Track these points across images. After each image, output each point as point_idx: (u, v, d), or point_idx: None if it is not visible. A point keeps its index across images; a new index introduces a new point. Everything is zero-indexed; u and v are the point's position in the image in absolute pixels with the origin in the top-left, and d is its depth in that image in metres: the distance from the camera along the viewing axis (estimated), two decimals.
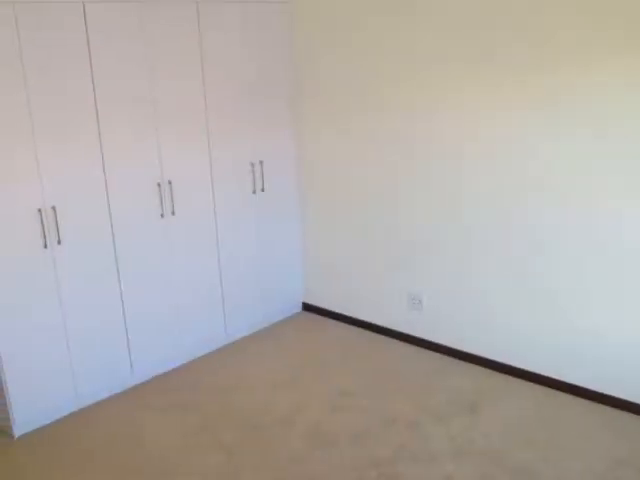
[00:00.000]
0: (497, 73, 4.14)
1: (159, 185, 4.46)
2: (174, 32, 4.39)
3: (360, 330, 5.47)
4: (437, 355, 4.96)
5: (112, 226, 4.28)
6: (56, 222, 3.98)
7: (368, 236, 5.21)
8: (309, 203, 5.58)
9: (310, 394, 4.50)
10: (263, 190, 5.20)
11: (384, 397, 4.42)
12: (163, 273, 4.65)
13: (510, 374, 4.59)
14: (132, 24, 4.16)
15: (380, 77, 4.75)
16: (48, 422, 4.25)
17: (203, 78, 4.61)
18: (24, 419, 4.12)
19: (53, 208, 3.95)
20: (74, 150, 4.02)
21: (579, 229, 4.04)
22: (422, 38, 4.44)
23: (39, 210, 3.89)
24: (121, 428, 4.19)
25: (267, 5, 4.96)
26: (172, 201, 4.55)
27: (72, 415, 4.34)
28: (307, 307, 5.91)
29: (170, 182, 4.52)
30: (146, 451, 3.94)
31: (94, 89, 4.03)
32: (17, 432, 4.10)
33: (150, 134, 4.38)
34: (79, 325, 4.26)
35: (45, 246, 3.96)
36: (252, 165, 5.06)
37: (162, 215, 4.52)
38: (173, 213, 4.58)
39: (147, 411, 4.37)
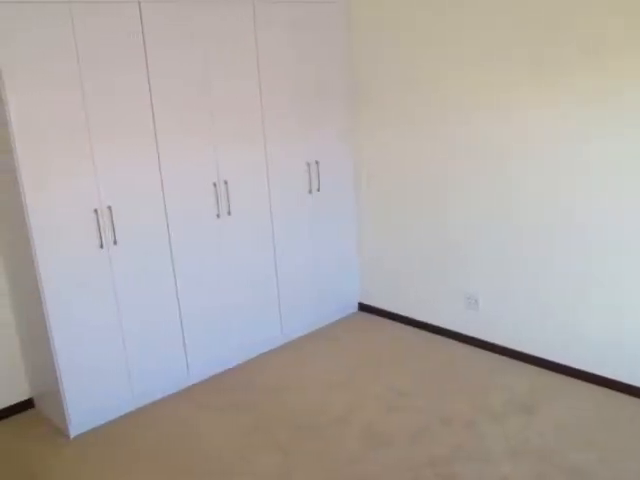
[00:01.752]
0: (548, 73, 3.91)
1: (215, 185, 4.30)
2: (230, 31, 4.22)
3: (416, 330, 5.24)
4: (493, 355, 4.72)
5: (168, 226, 4.12)
6: (112, 222, 3.84)
7: (424, 236, 4.98)
8: (364, 203, 5.37)
9: (366, 394, 4.30)
10: (319, 190, 5.01)
11: (440, 397, 4.21)
12: (219, 273, 4.49)
13: (567, 374, 4.33)
14: (188, 22, 4.01)
15: (435, 77, 4.53)
16: (104, 422, 4.13)
17: (259, 77, 4.43)
18: (80, 419, 4.00)
19: (109, 208, 3.81)
20: (130, 150, 3.88)
21: (636, 227, 3.79)
22: (477, 37, 4.20)
23: (95, 210, 3.76)
24: (177, 428, 4.04)
25: (323, 5, 4.75)
26: (228, 201, 4.38)
27: (128, 415, 4.21)
28: (363, 307, 5.70)
29: (226, 182, 4.35)
30: (201, 451, 3.79)
31: (150, 88, 3.89)
32: (73, 432, 3.98)
33: (206, 133, 4.22)
34: (135, 325, 4.12)
35: (101, 246, 3.82)
36: (308, 165, 4.87)
37: (218, 215, 4.35)
38: (229, 213, 4.41)
39: (203, 411, 4.22)
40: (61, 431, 4.05)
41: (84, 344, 3.92)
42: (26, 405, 4.35)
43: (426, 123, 4.69)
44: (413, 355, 4.81)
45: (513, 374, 4.45)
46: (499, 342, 4.72)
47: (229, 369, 4.73)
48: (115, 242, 3.88)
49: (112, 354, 4.06)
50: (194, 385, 4.53)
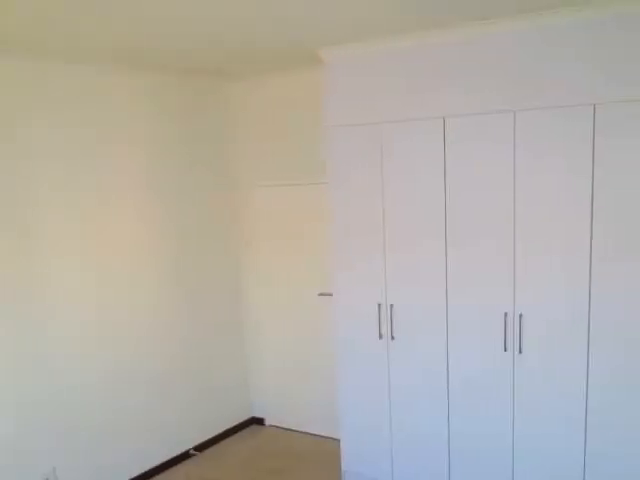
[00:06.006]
0: None
1: (505, 315, 3.55)
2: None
3: None
4: None
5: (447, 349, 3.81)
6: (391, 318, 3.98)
7: None
8: None
9: None
10: None
11: None
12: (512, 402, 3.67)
13: None
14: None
15: None
16: None
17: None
18: None
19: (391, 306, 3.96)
20: (419, 258, 3.87)
21: None
22: None
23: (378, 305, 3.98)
24: None
25: None
26: (520, 336, 3.52)
27: None
28: None
29: (521, 315, 3.50)
30: None
31: (445, 196, 3.71)
32: None
33: (508, 253, 3.56)
34: (404, 421, 4.04)
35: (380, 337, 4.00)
36: None
37: (505, 349, 3.57)
38: (520, 351, 3.52)
39: None
40: None
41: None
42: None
43: None
44: None
45: None
46: None
47: None
48: (393, 337, 3.93)
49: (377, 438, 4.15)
50: None
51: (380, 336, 4.03)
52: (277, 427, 5.56)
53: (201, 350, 5.16)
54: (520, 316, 3.54)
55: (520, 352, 3.57)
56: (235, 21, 3.29)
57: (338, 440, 4.55)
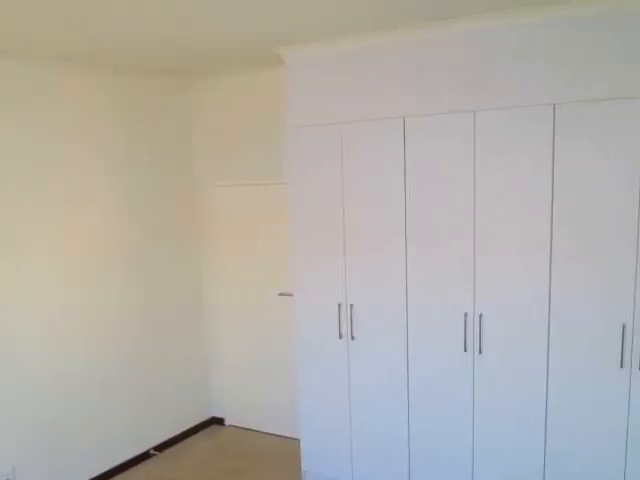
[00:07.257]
0: None
1: (465, 316, 3.47)
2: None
3: None
4: None
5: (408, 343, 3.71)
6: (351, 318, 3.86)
7: None
8: None
9: None
10: None
11: None
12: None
13: None
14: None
15: None
16: None
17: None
18: None
19: (351, 306, 3.85)
20: (375, 258, 3.77)
21: None
22: None
23: (339, 305, 3.86)
24: None
25: None
26: (480, 336, 3.44)
27: None
28: None
29: (481, 315, 3.44)
30: None
31: (406, 197, 3.62)
32: None
33: (468, 253, 3.48)
34: (363, 414, 3.94)
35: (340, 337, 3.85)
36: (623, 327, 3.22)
37: (465, 349, 3.49)
38: (480, 351, 3.45)
39: None
40: None
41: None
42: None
43: None
44: None
45: None
46: None
47: None
48: (353, 337, 3.81)
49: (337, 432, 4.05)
50: None
51: (340, 336, 3.92)
52: (237, 427, 5.42)
53: (161, 350, 5.00)
54: (480, 316, 3.46)
55: (480, 352, 3.49)
56: (192, 21, 3.15)
57: (298, 440, 4.45)
